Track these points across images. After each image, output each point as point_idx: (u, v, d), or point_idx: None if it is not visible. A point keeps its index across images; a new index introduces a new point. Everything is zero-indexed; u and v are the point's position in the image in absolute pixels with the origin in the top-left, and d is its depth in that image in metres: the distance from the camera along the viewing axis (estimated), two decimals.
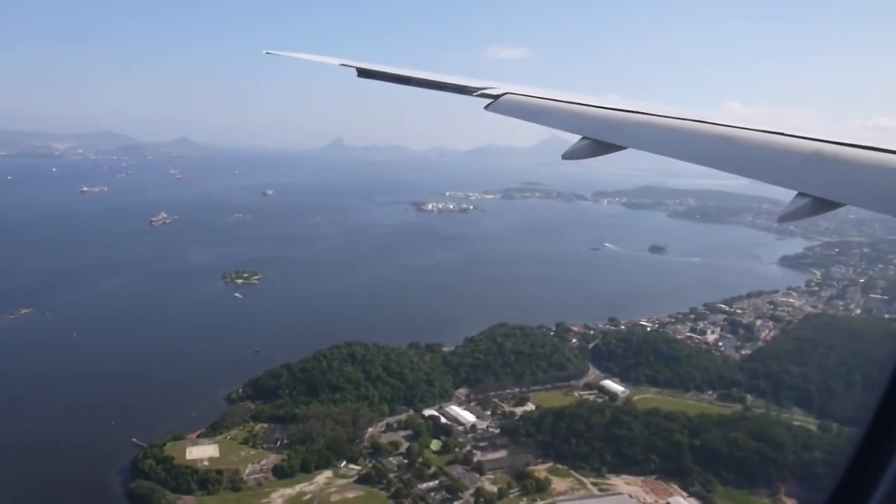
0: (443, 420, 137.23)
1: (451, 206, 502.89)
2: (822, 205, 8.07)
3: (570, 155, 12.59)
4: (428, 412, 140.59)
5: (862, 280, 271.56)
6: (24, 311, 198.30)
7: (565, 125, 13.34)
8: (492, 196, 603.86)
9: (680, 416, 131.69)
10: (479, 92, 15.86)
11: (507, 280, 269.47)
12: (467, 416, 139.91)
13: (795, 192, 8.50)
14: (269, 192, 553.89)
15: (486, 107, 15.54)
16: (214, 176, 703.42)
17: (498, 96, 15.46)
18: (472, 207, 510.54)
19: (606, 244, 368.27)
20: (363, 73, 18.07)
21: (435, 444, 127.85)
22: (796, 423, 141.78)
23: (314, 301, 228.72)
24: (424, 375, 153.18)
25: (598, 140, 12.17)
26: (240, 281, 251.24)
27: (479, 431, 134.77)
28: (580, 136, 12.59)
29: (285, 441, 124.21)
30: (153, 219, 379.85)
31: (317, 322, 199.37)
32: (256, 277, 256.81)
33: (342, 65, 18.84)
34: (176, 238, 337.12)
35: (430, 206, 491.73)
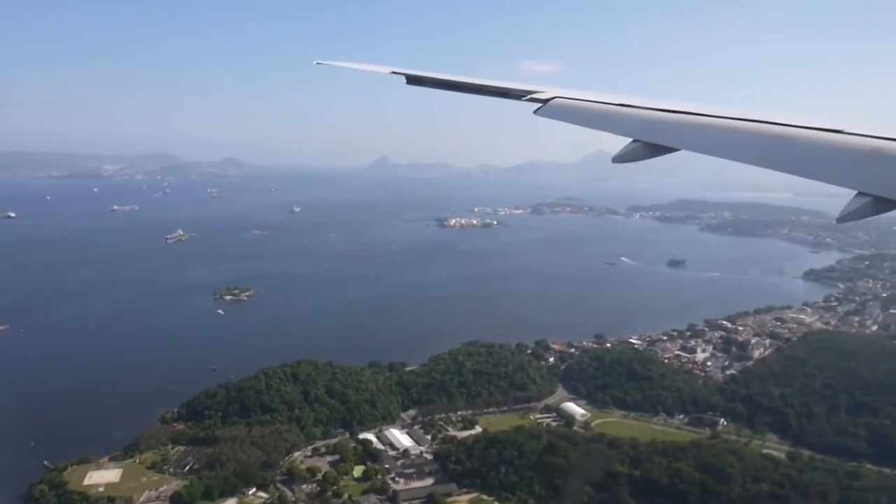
0: (375, 444, 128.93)
1: (475, 222, 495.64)
2: (883, 204, 7.79)
3: (621, 158, 12.09)
4: (364, 436, 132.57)
5: (885, 294, 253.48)
6: None
7: (616, 128, 12.77)
8: (521, 211, 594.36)
9: (626, 443, 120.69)
10: (528, 96, 15.35)
11: (505, 297, 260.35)
12: (404, 441, 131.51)
13: (854, 192, 8.16)
14: (297, 209, 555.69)
15: (536, 111, 15.03)
16: (251, 194, 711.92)
17: (547, 101, 14.93)
18: (495, 223, 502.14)
19: (623, 258, 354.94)
20: (412, 80, 17.96)
21: (358, 471, 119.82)
22: (766, 450, 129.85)
23: (296, 318, 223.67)
24: (370, 396, 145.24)
25: (650, 142, 11.73)
26: (229, 297, 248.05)
27: (413, 457, 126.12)
28: (630, 140, 12.11)
29: (195, 466, 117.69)
30: (168, 236, 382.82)
31: (289, 339, 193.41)
32: (247, 294, 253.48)
33: (392, 72, 18.56)
34: (185, 255, 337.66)
35: (452, 222, 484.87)
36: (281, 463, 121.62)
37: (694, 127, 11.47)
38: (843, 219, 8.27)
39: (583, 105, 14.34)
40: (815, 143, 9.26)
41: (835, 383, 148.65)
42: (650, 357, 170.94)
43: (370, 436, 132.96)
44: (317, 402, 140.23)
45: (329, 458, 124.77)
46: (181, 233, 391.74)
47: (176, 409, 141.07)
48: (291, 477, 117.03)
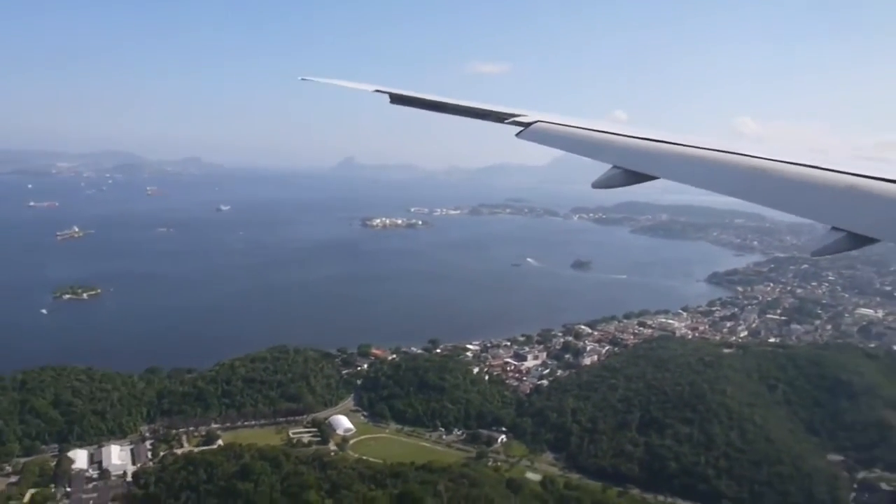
0: (76, 463, 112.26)
1: (399, 222, 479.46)
2: (856, 240, 7.76)
3: (602, 184, 11.79)
4: (74, 452, 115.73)
5: (769, 299, 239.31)
6: None
7: (595, 154, 12.46)
8: (458, 212, 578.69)
9: (343, 465, 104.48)
10: (511, 119, 15.22)
11: (374, 299, 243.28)
12: (115, 459, 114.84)
13: (829, 227, 8.26)
14: (225, 207, 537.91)
15: (518, 134, 14.89)
16: (193, 192, 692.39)
17: (529, 124, 14.81)
18: (421, 223, 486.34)
19: (529, 259, 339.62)
20: (396, 100, 17.39)
21: (29, 496, 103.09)
22: (530, 473, 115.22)
23: (126, 320, 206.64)
24: (104, 406, 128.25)
25: (630, 170, 11.39)
26: (68, 297, 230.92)
27: (113, 479, 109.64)
28: (611, 165, 11.78)
29: None
30: (59, 233, 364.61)
31: (93, 343, 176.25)
32: (91, 293, 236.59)
33: (376, 91, 17.94)
34: (65, 252, 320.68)
35: (376, 222, 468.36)
36: None
37: (674, 156, 11.23)
38: (817, 253, 8.19)
39: (564, 130, 14.15)
40: (792, 177, 9.05)
41: (633, 397, 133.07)
42: (449, 366, 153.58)
43: (80, 453, 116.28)
44: (31, 413, 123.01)
45: (13, 480, 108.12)
46: (76, 229, 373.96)
47: None
48: None
